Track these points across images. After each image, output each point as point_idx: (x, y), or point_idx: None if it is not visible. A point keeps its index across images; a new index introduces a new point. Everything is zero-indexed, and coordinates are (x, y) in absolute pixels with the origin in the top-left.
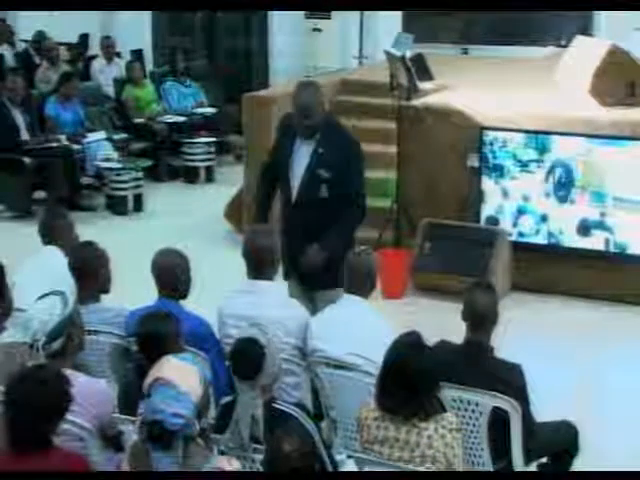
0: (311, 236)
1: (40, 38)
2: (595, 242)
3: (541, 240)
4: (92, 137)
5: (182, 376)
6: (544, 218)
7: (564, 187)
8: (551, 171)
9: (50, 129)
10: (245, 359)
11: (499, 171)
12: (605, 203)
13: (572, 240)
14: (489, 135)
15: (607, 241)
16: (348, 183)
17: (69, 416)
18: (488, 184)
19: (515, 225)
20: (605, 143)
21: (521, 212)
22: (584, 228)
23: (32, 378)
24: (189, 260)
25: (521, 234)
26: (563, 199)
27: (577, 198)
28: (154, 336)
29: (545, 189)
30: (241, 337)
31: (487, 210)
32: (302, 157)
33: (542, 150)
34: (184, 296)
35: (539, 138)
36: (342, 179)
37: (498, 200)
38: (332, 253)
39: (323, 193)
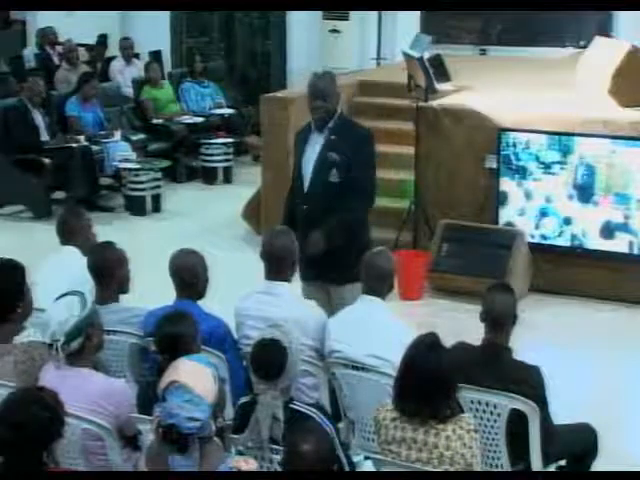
0: (320, 226)
1: (48, 32)
2: (619, 244)
3: (564, 242)
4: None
5: (196, 378)
6: (567, 220)
7: (587, 189)
8: (574, 173)
9: (74, 129)
10: (268, 360)
11: (522, 173)
12: (629, 205)
13: (595, 242)
14: (511, 137)
15: (631, 244)
16: (358, 168)
17: (88, 416)
18: (510, 186)
19: (537, 227)
20: (629, 144)
21: (544, 214)
22: (607, 230)
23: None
24: (206, 260)
25: (544, 236)
26: (586, 201)
27: (600, 200)
28: (172, 337)
29: (568, 191)
30: (263, 338)
31: (509, 212)
32: (315, 146)
33: (565, 152)
34: (201, 296)
35: (562, 139)
36: (351, 164)
37: (521, 202)
38: (331, 240)
39: (333, 177)
